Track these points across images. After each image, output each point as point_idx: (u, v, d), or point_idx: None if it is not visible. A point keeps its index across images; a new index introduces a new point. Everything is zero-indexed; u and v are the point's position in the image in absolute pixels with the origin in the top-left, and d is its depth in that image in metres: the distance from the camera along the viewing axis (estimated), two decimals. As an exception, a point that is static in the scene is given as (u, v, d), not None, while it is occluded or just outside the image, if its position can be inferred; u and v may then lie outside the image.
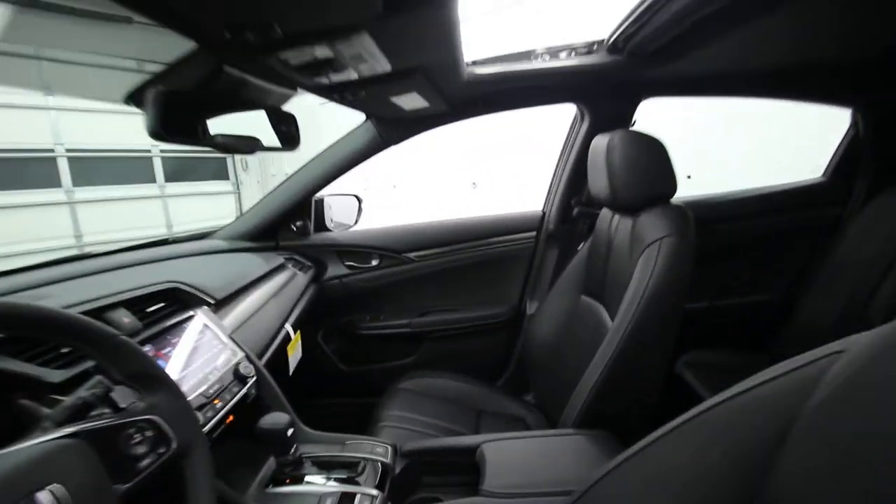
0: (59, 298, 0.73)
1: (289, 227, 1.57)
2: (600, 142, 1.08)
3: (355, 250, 1.63)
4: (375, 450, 0.92)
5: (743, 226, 1.58)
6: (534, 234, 1.65)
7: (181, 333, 0.84)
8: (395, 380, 1.42)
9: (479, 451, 0.89)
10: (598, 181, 1.10)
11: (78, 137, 4.89)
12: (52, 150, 4.67)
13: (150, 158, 5.75)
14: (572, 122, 1.54)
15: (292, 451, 0.83)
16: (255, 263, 1.31)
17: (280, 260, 1.43)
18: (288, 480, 0.83)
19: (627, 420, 0.98)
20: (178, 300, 0.92)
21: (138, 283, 0.86)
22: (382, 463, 0.89)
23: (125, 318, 0.77)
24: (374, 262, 1.63)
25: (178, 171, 5.97)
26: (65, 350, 0.67)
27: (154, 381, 0.55)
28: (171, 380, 0.57)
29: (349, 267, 1.64)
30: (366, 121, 1.41)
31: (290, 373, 1.23)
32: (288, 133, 0.85)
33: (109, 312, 0.75)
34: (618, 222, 1.14)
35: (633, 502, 0.45)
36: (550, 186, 1.65)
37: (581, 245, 1.42)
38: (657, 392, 1.01)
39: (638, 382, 0.98)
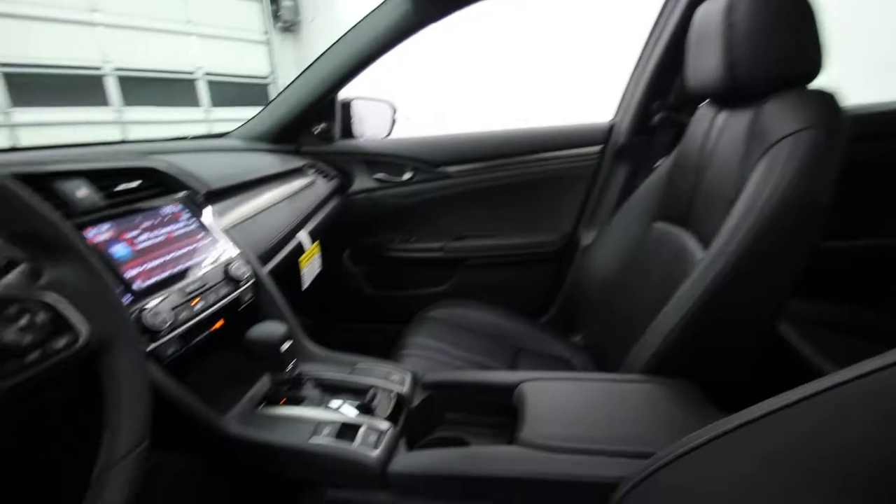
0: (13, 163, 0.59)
1: (310, 130, 1.37)
2: (715, 3, 0.78)
3: (386, 161, 1.43)
4: (391, 376, 0.76)
5: (881, 147, 1.22)
6: (598, 148, 1.37)
7: (156, 219, 0.68)
8: (425, 308, 1.26)
9: (519, 392, 0.71)
10: (704, 61, 0.81)
11: (124, 57, 4.84)
12: (99, 69, 4.65)
13: (193, 83, 5.69)
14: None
15: (289, 368, 0.68)
16: (267, 162, 1.14)
17: (299, 163, 1.25)
18: (283, 401, 0.69)
19: (714, 373, 0.75)
20: (161, 185, 0.76)
21: (106, 163, 0.70)
22: (398, 392, 0.73)
23: (82, 188, 0.61)
24: (407, 176, 1.43)
25: (223, 97, 5.90)
26: None
27: (56, 248, 0.38)
28: (82, 247, 0.40)
29: (378, 180, 1.44)
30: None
31: (304, 287, 1.09)
32: None
33: (62, 181, 0.60)
34: (725, 120, 0.85)
35: (747, 482, 0.31)
36: (625, 92, 1.33)
37: (659, 162, 1.14)
38: (760, 343, 0.77)
39: (736, 327, 0.75)
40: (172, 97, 5.36)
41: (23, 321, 0.34)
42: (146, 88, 5.13)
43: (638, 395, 0.69)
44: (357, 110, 1.45)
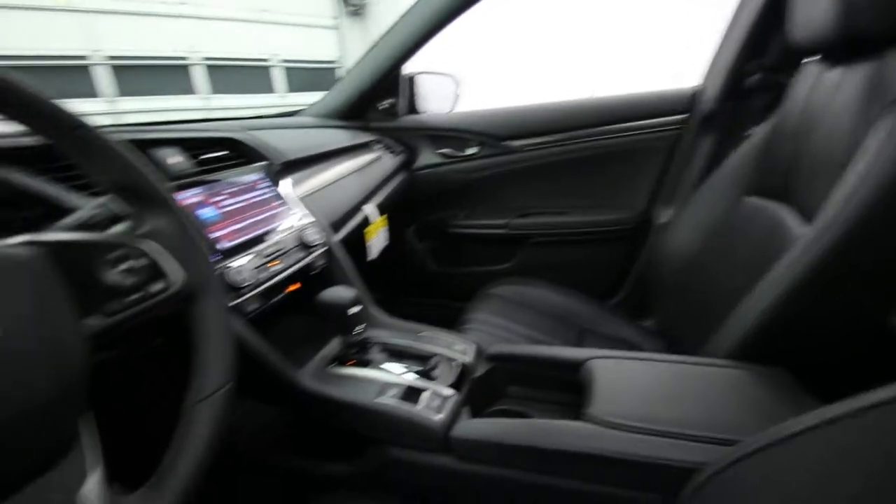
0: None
1: (376, 106, 1.38)
2: None
3: (450, 135, 1.41)
4: (454, 346, 0.76)
5: None
6: (679, 118, 1.26)
7: (239, 186, 0.72)
8: (488, 285, 1.25)
9: (586, 368, 0.68)
10: (813, 9, 0.70)
11: (208, 47, 5.20)
12: (186, 59, 5.04)
13: (269, 70, 6.00)
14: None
15: (357, 331, 0.70)
16: (337, 137, 1.17)
17: (367, 139, 1.27)
18: (351, 362, 0.71)
19: (810, 360, 0.67)
20: (243, 155, 0.81)
21: (194, 133, 0.75)
22: (461, 361, 0.73)
23: (175, 156, 0.66)
24: (471, 151, 1.40)
25: (296, 83, 6.17)
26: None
27: (151, 200, 0.41)
28: (174, 202, 0.43)
29: (442, 155, 1.43)
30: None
31: (370, 258, 1.12)
32: None
33: (158, 148, 0.65)
34: (837, 76, 0.73)
35: (844, 478, 0.28)
36: (715, 54, 1.20)
37: (751, 130, 1.02)
38: (867, 331, 0.67)
39: (841, 312, 0.66)
40: (250, 84, 5.71)
41: (125, 265, 0.37)
42: (227, 76, 5.50)
43: (722, 380, 0.63)
44: (421, 85, 1.44)
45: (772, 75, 1.09)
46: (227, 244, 0.63)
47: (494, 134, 1.37)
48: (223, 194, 0.68)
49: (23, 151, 0.52)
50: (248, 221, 0.69)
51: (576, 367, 0.69)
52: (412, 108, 1.44)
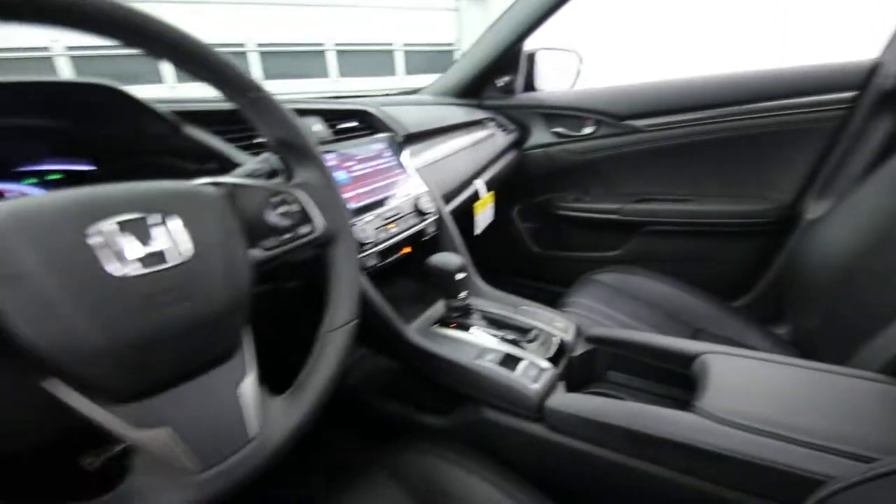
0: None
1: (493, 83, 1.39)
2: None
3: (566, 113, 1.36)
4: (554, 322, 0.76)
5: None
6: (847, 96, 1.06)
7: (368, 153, 0.79)
8: (591, 271, 1.20)
9: (700, 362, 0.63)
10: None
11: (339, 34, 5.65)
12: (322, 45, 5.53)
13: (391, 53, 6.32)
14: None
15: (461, 296, 0.74)
16: (454, 113, 1.21)
17: (481, 116, 1.29)
18: (452, 325, 0.75)
19: None
20: (371, 126, 0.88)
21: (332, 105, 0.84)
22: (560, 338, 0.72)
23: (317, 124, 0.75)
24: (588, 130, 1.34)
25: (415, 66, 6.43)
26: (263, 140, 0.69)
27: (304, 155, 0.48)
28: (322, 160, 0.49)
29: (556, 134, 1.39)
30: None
31: (477, 232, 1.15)
32: None
33: (304, 116, 0.74)
34: None
35: None
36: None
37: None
38: None
39: None
40: (373, 68, 6.09)
41: (282, 209, 0.45)
42: (354, 60, 5.93)
43: (866, 393, 0.54)
44: (540, 62, 1.41)
45: None
46: (354, 205, 0.70)
47: (615, 113, 1.29)
48: (353, 160, 0.76)
49: (207, 115, 0.63)
50: (372, 186, 0.76)
51: (688, 360, 0.65)
52: (529, 86, 1.42)
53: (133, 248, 0.32)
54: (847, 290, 0.84)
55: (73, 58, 5.06)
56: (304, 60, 5.50)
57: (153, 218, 0.34)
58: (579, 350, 0.74)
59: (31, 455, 0.37)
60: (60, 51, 4.95)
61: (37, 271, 0.28)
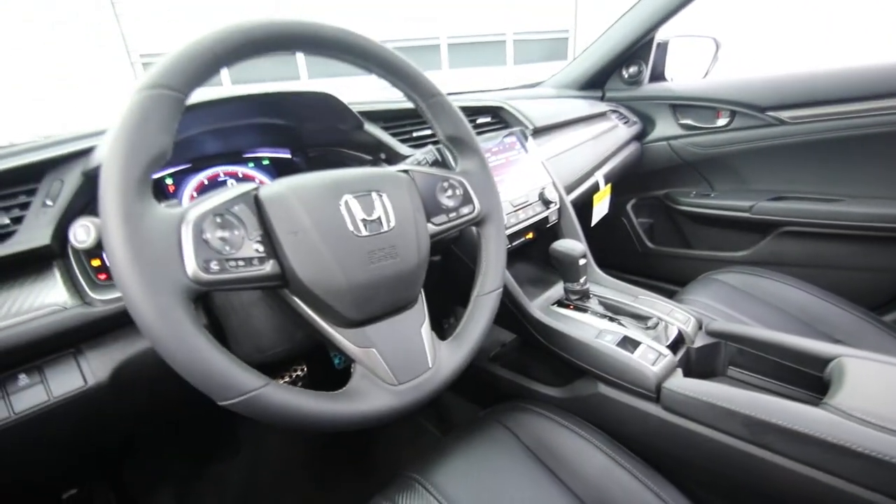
0: None
1: (620, 74, 1.38)
2: None
3: (696, 105, 1.31)
4: (674, 313, 0.78)
5: None
6: None
7: (500, 146, 0.88)
8: (712, 271, 1.15)
9: (837, 364, 0.61)
10: None
11: (451, 28, 5.83)
12: (437, 39, 5.76)
13: (503, 44, 6.34)
14: None
15: (581, 280, 0.80)
16: (577, 107, 1.24)
17: (604, 108, 1.30)
18: (571, 307, 0.81)
19: None
20: (503, 120, 0.97)
21: (469, 101, 0.93)
22: (680, 329, 0.75)
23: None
24: (722, 122, 1.28)
25: (527, 55, 6.39)
26: (420, 135, 0.81)
27: (468, 148, 0.57)
28: (482, 153, 0.58)
29: (683, 126, 1.35)
30: None
31: (593, 224, 1.18)
32: None
33: None
34: None
35: None
36: None
37: None
38: None
39: None
40: (485, 58, 6.18)
41: (449, 192, 0.55)
42: (465, 53, 6.08)
43: None
44: (673, 50, 1.37)
45: None
46: (490, 191, 0.79)
47: (756, 104, 1.21)
48: (490, 152, 0.85)
49: (377, 114, 0.76)
50: (504, 175, 0.84)
51: (824, 362, 0.63)
52: (658, 76, 1.39)
53: (362, 216, 0.44)
54: None
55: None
56: (418, 55, 5.84)
57: (374, 194, 0.46)
58: (699, 343, 0.75)
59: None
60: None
61: (308, 228, 0.41)
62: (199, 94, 0.57)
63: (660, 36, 1.33)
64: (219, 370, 0.34)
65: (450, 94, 1.14)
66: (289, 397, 0.37)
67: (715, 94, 1.27)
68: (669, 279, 1.47)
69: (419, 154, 0.66)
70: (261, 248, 0.39)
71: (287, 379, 0.79)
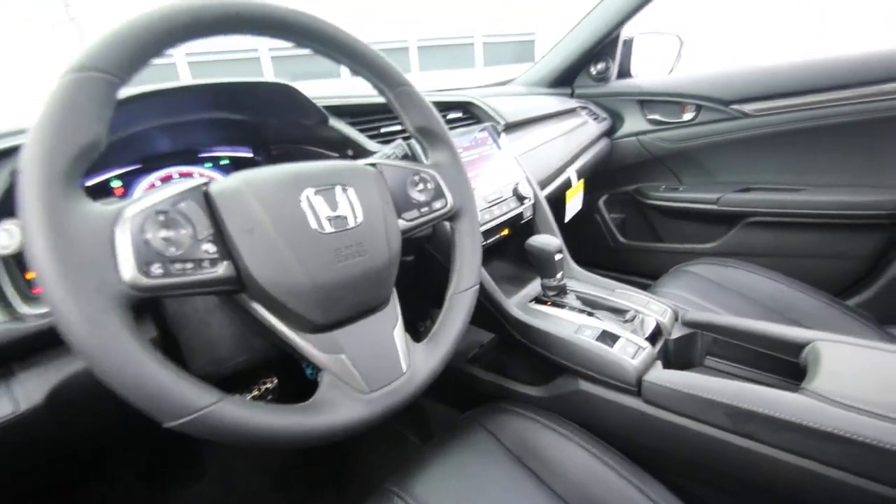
0: None
1: (588, 71, 1.39)
2: None
3: (662, 100, 1.33)
4: (650, 305, 0.77)
5: None
6: None
7: (472, 141, 0.86)
8: (683, 263, 1.17)
9: (811, 349, 0.62)
10: None
11: (420, 31, 5.83)
12: (405, 41, 5.74)
13: (472, 47, 6.38)
14: None
15: (558, 276, 0.78)
16: (547, 103, 1.24)
17: (573, 104, 1.31)
18: (549, 303, 0.80)
19: None
20: (474, 116, 0.95)
21: (439, 98, 0.91)
22: (657, 320, 0.74)
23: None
24: (688, 117, 1.30)
25: (495, 58, 6.44)
26: (388, 130, 0.78)
27: (438, 140, 0.55)
28: (454, 145, 0.56)
29: (651, 122, 1.36)
30: None
31: (566, 220, 1.17)
32: None
33: None
34: None
35: None
36: None
37: None
38: None
39: None
40: (454, 60, 6.20)
41: (420, 186, 0.52)
42: (435, 55, 6.08)
43: None
44: (638, 47, 1.38)
45: None
46: (463, 187, 0.77)
47: (721, 97, 1.23)
48: (461, 147, 0.82)
49: (344, 109, 0.73)
50: (477, 171, 0.82)
51: (798, 348, 0.64)
52: (624, 73, 1.40)
53: (326, 212, 0.41)
54: None
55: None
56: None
57: (339, 189, 0.42)
58: (676, 333, 0.75)
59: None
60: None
61: (266, 225, 0.38)
62: (144, 85, 0.52)
63: (626, 33, 1.35)
64: (161, 387, 0.30)
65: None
66: (243, 413, 0.33)
67: (680, 89, 1.29)
68: (643, 273, 1.48)
69: (388, 149, 0.63)
70: (212, 249, 0.36)
71: (255, 392, 0.74)
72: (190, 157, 0.70)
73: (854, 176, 1.14)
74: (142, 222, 0.32)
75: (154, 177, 0.67)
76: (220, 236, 0.36)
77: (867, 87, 1.06)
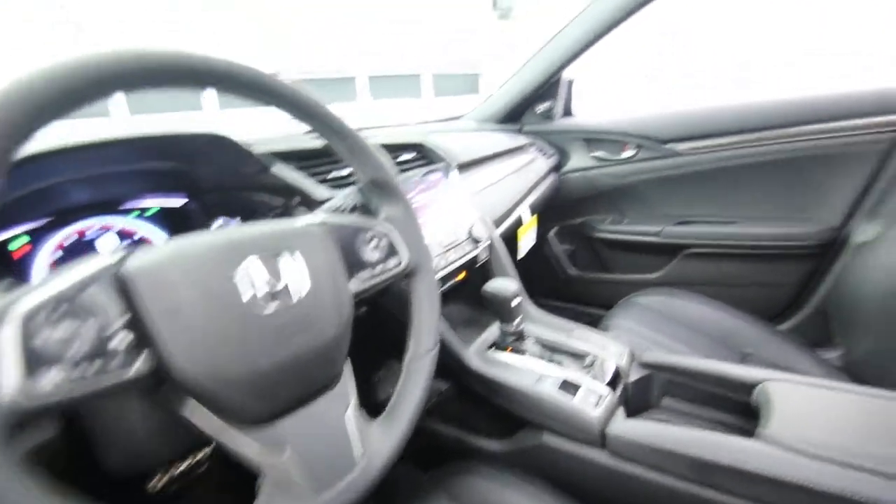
0: None
1: (534, 109, 1.44)
2: None
3: (606, 138, 1.39)
4: (608, 347, 0.77)
5: None
6: (892, 118, 1.06)
7: (425, 184, 0.84)
8: (631, 294, 1.20)
9: (762, 390, 0.64)
10: None
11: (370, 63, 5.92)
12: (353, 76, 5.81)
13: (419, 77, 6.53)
14: None
15: (516, 322, 0.77)
16: (497, 140, 1.25)
17: (523, 141, 1.34)
18: (508, 349, 0.78)
19: None
20: (426, 156, 0.93)
21: (391, 138, 0.89)
22: (616, 363, 0.74)
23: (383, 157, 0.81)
24: (628, 154, 1.36)
25: (443, 89, 6.63)
26: (338, 175, 0.74)
27: (391, 193, 0.52)
28: (406, 198, 0.53)
29: (595, 158, 1.42)
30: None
31: (520, 257, 1.17)
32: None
33: None
34: None
35: None
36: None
37: None
38: None
39: None
40: (405, 90, 6.31)
41: (373, 243, 0.49)
42: (385, 85, 6.17)
43: None
44: (577, 86, 1.45)
45: None
46: (417, 233, 0.74)
47: (657, 136, 1.31)
48: (415, 190, 0.80)
49: (292, 154, 0.69)
50: (431, 214, 0.80)
51: (749, 388, 0.66)
52: (568, 111, 1.46)
53: (267, 285, 0.37)
54: None
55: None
56: (337, 87, 5.83)
57: (283, 256, 0.38)
58: (634, 376, 0.75)
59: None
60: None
61: (192, 306, 0.33)
62: (51, 140, 0.46)
63: (568, 74, 1.41)
64: None
65: (368, 128, 1.10)
66: None
67: (621, 128, 1.36)
68: (593, 303, 1.51)
69: (338, 198, 0.59)
70: (128, 338, 0.30)
71: (183, 467, 0.65)
72: (112, 207, 0.63)
73: (782, 209, 1.23)
74: (36, 318, 0.26)
75: (68, 231, 0.59)
76: (138, 322, 0.31)
77: (787, 128, 1.17)
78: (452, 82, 6.53)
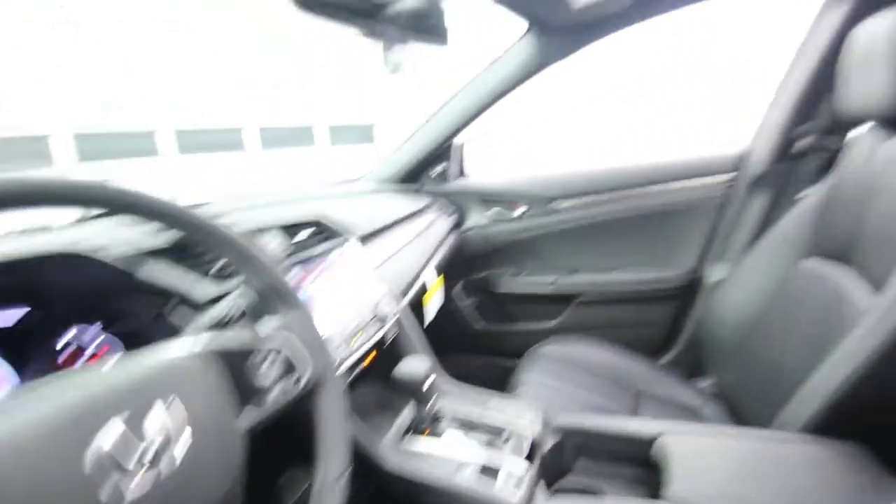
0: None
1: (428, 173, 1.49)
2: (880, 23, 0.72)
3: (499, 198, 1.48)
4: (522, 416, 0.78)
5: None
6: (726, 178, 1.29)
7: (324, 263, 0.80)
8: (535, 343, 1.26)
9: (660, 445, 0.68)
10: (868, 82, 0.73)
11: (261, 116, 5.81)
12: (240, 129, 5.60)
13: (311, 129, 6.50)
14: (820, 12, 1.12)
15: (431, 402, 0.74)
16: (398, 204, 1.26)
17: (423, 202, 1.36)
18: (426, 432, 0.74)
19: (892, 437, 0.66)
20: (325, 232, 0.89)
21: (287, 215, 0.84)
22: (531, 436, 0.75)
23: (277, 239, 0.75)
24: (519, 212, 1.47)
25: (340, 139, 6.66)
26: (220, 267, 0.66)
27: (283, 300, 0.47)
28: (304, 304, 0.49)
29: (491, 216, 1.50)
30: (522, 36, 1.21)
31: (427, 321, 1.17)
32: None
33: (261, 234, 0.74)
34: (894, 147, 0.76)
35: None
36: (765, 116, 1.25)
37: (804, 192, 1.04)
38: None
39: None
40: (300, 139, 6.21)
41: (266, 363, 0.43)
42: (277, 136, 6.03)
43: (800, 457, 0.63)
44: (468, 150, 1.54)
45: (823, 138, 1.12)
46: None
47: (542, 195, 1.43)
48: (315, 272, 0.75)
49: (167, 251, 0.60)
50: (333, 298, 0.76)
51: (647, 444, 0.70)
52: (461, 172, 1.54)
53: (132, 457, 0.30)
54: (752, 348, 0.97)
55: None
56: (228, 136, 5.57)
57: (154, 408, 0.31)
58: (549, 442, 0.77)
59: None
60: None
61: None
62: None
63: (459, 139, 1.49)
64: None
65: (260, 201, 1.03)
66: None
67: (511, 189, 1.46)
68: (503, 353, 1.55)
69: (223, 305, 0.52)
70: None
71: None
72: None
73: (649, 256, 1.41)
74: None
75: None
76: None
77: (642, 187, 1.36)
78: (348, 132, 6.60)
